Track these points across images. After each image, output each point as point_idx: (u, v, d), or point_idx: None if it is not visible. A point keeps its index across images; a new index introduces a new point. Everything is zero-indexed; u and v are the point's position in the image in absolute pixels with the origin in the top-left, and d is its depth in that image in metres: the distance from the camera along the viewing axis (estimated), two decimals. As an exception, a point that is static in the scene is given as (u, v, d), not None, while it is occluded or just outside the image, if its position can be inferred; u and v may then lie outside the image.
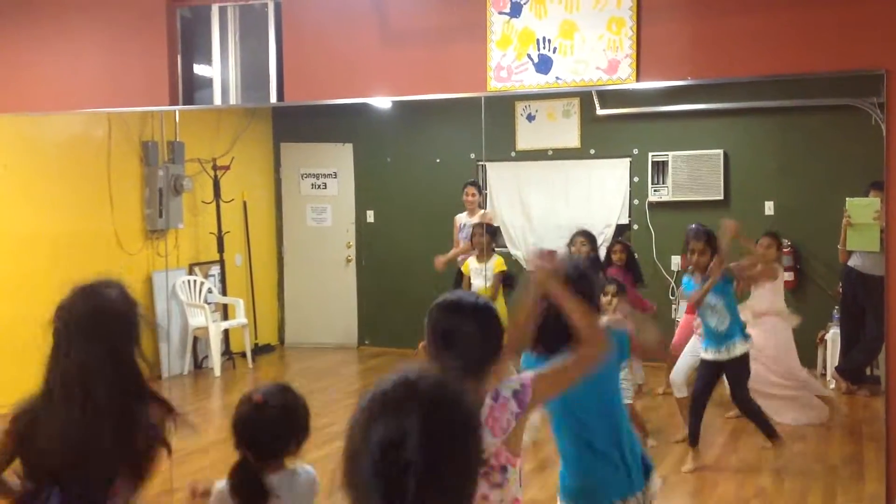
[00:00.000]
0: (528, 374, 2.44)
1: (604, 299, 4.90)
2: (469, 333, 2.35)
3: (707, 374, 5.29)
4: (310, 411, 2.71)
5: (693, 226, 5.41)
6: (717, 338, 5.20)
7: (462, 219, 7.11)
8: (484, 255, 6.55)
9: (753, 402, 5.31)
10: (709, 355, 5.23)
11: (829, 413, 6.05)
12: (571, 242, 6.15)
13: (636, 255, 6.63)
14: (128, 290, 2.61)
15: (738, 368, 5.24)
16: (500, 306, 6.19)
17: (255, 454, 2.64)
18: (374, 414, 1.41)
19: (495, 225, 7.05)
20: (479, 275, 6.49)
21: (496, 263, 6.52)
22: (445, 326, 2.38)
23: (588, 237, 6.13)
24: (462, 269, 6.80)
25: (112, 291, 2.57)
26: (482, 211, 7.09)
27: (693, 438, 5.26)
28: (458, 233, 7.08)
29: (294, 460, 2.72)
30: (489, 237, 6.65)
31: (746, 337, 5.25)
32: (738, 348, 5.20)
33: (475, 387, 2.31)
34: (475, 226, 6.90)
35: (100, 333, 2.48)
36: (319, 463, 2.71)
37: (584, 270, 2.94)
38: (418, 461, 1.35)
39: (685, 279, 5.50)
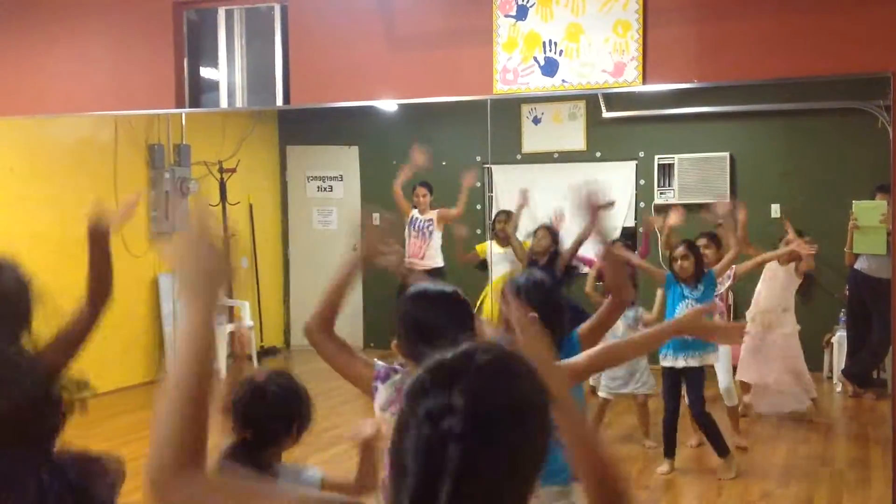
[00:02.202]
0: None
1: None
2: (441, 323, 2.30)
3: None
4: (311, 402, 2.67)
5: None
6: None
7: (414, 213, 7.21)
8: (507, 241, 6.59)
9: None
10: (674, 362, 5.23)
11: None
12: (534, 235, 6.13)
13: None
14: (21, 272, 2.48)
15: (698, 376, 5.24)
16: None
17: (253, 435, 2.58)
18: (424, 384, 1.31)
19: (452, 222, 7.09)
20: (504, 260, 6.53)
21: (525, 244, 6.53)
22: (416, 317, 2.35)
23: (550, 231, 6.05)
24: (478, 250, 6.84)
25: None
26: (436, 210, 7.20)
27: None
28: (409, 225, 7.18)
29: (295, 459, 2.67)
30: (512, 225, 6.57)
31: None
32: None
33: None
34: (499, 212, 6.93)
35: None
36: (324, 465, 2.71)
37: (547, 291, 2.88)
38: (463, 436, 1.24)
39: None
